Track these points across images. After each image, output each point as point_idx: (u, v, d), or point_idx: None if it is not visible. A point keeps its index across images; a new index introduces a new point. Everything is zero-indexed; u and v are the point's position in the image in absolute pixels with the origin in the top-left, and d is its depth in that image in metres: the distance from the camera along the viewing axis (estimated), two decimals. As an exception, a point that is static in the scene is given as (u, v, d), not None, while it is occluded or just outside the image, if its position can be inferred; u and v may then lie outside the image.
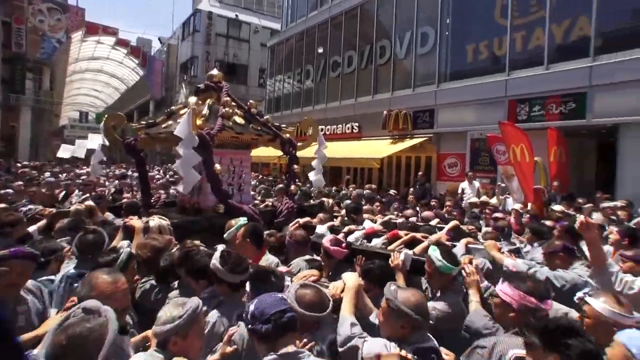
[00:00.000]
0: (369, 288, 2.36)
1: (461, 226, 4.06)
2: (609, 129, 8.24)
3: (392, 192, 9.46)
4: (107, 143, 4.50)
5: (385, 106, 12.84)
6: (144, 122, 4.98)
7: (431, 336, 1.81)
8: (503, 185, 7.79)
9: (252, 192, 6.82)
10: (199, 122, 4.10)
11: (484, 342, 1.76)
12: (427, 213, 5.26)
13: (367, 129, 13.91)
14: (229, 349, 1.77)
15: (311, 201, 6.58)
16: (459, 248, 3.05)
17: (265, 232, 3.40)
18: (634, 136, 7.66)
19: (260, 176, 15.30)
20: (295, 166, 4.96)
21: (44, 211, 4.24)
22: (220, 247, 3.04)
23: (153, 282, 2.52)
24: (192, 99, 4.24)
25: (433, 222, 4.50)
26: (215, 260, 2.17)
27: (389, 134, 12.66)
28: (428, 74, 11.95)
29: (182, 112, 4.41)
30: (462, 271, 2.38)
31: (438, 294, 2.46)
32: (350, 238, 3.60)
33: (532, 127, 8.74)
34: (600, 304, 1.75)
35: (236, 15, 27.55)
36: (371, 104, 13.75)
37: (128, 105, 42.75)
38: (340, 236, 3.55)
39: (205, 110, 4.34)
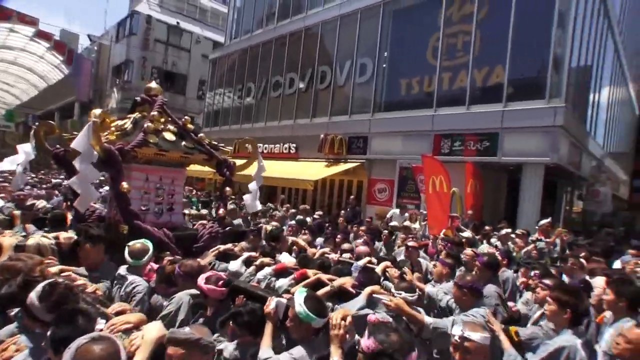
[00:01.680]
0: (240, 334, 2.24)
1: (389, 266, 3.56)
2: (516, 167, 9.26)
3: (317, 214, 9.39)
4: (33, 153, 4.24)
5: (323, 130, 13.16)
6: (75, 133, 4.78)
7: None
8: (425, 212, 8.27)
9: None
10: (112, 136, 3.88)
11: None
12: (361, 249, 4.63)
13: (304, 151, 14.10)
14: None
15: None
16: (360, 299, 2.65)
17: (168, 259, 3.12)
18: (533, 175, 8.75)
19: (194, 191, 14.63)
20: (228, 189, 4.78)
21: None
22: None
23: None
24: (96, 111, 3.94)
25: (363, 261, 3.85)
26: (34, 295, 1.86)
27: (324, 157, 12.94)
28: (364, 103, 12.52)
29: (121, 122, 4.20)
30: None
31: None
32: (260, 274, 3.35)
33: (452, 160, 9.51)
34: (477, 335, 1.95)
35: (177, 23, 26.60)
36: (309, 127, 14.01)
37: (48, 104, 39.07)
38: (251, 269, 3.45)
39: (129, 124, 4.09)
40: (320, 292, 2.75)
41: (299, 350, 2.02)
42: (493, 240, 6.60)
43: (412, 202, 10.62)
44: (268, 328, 2.22)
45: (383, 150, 11.70)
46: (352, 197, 11.42)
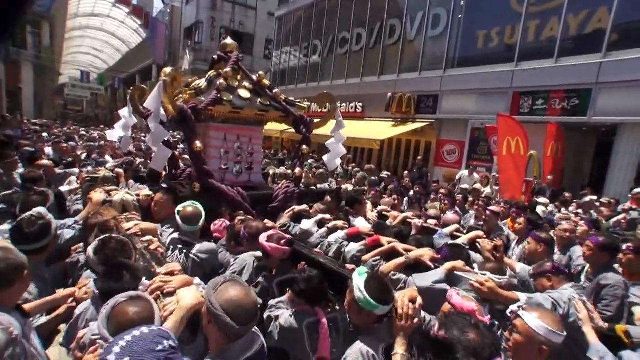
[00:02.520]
0: (297, 302, 2.06)
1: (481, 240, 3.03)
2: (609, 128, 8.31)
3: (384, 174, 9.37)
4: (132, 116, 4.39)
5: (391, 88, 12.80)
6: None
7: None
8: (497, 175, 7.95)
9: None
10: (186, 95, 3.80)
11: None
12: (449, 216, 4.19)
13: (371, 110, 13.91)
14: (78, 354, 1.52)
15: (327, 185, 6.17)
16: (438, 273, 2.26)
17: (239, 218, 3.00)
18: (630, 137, 7.77)
19: (264, 150, 15.26)
20: (305, 147, 4.49)
21: (81, 175, 4.36)
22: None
23: (82, 256, 2.36)
24: (167, 70, 3.82)
25: (449, 229, 3.55)
26: (90, 248, 1.95)
27: (391, 116, 12.69)
28: (436, 59, 11.83)
29: (198, 82, 4.10)
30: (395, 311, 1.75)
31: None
32: (332, 238, 3.11)
33: (532, 120, 8.83)
34: (534, 320, 1.60)
35: (243, -20, 26.64)
36: (376, 85, 13.69)
37: (130, 67, 41.83)
38: (323, 231, 3.26)
39: (203, 83, 3.98)
40: (393, 263, 2.48)
41: (357, 342, 1.72)
42: (571, 208, 6.18)
43: (483, 164, 10.20)
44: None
45: (454, 110, 11.16)
46: (419, 157, 11.24)
